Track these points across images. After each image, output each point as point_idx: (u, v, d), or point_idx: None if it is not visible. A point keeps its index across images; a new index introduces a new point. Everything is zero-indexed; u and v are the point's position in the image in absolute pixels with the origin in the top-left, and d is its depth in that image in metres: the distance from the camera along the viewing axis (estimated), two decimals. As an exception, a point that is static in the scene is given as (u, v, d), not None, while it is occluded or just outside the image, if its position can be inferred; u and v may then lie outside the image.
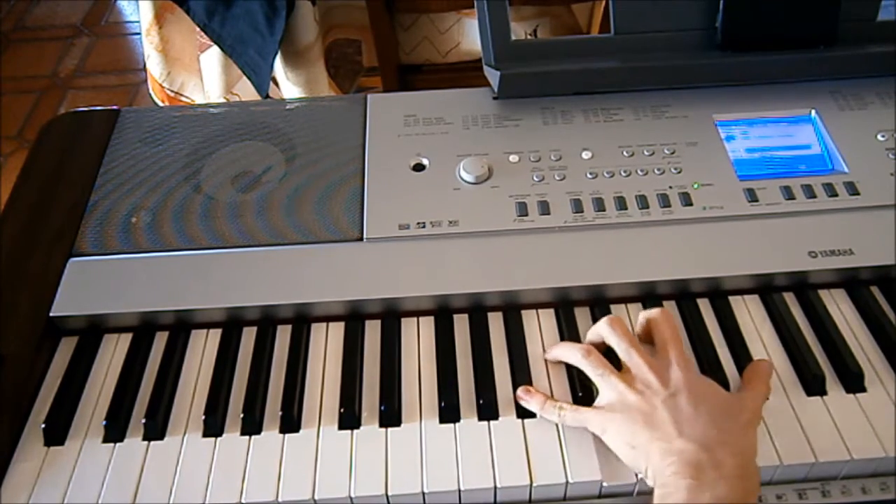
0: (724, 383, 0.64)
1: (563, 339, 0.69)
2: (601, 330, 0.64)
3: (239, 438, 0.63)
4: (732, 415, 0.57)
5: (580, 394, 0.64)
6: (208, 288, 0.70)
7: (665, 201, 0.75)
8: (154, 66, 1.34)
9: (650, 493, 0.57)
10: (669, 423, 0.56)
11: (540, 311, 0.71)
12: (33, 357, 0.67)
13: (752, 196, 0.75)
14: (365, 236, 0.73)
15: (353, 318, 0.71)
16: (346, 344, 0.69)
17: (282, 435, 0.63)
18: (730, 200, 0.75)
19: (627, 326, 0.63)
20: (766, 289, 0.72)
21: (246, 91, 1.28)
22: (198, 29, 1.21)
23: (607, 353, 0.64)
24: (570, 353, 0.64)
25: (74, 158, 0.83)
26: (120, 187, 0.79)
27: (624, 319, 0.70)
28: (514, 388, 0.65)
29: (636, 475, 0.59)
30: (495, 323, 0.70)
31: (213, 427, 0.63)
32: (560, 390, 0.65)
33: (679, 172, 0.77)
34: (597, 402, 0.61)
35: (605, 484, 0.59)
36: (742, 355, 0.66)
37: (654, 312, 0.64)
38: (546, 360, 0.67)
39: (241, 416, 0.63)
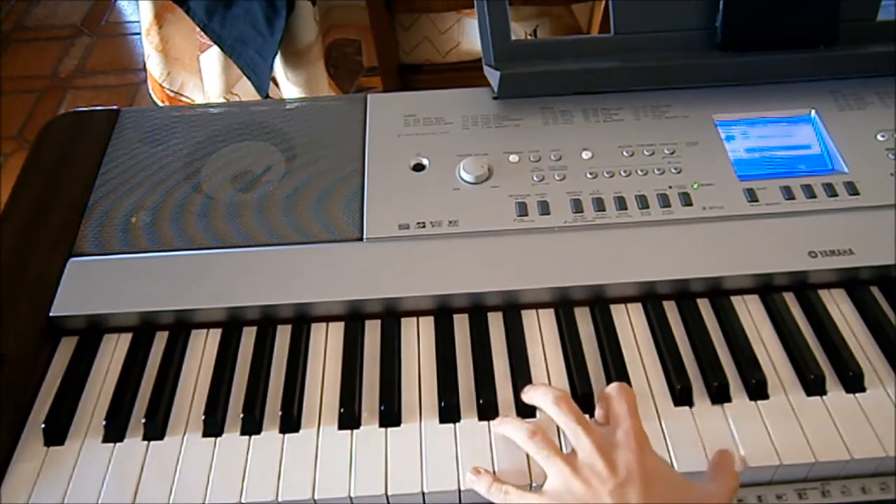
0: (726, 385, 0.64)
1: (562, 339, 0.68)
2: (546, 408, 0.59)
3: (239, 438, 0.63)
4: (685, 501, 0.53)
5: (580, 393, 0.64)
6: (208, 288, 0.70)
7: (665, 201, 0.75)
8: (154, 66, 1.34)
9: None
10: None
11: (540, 311, 0.71)
12: (33, 357, 0.68)
13: (752, 196, 0.75)
14: (365, 236, 0.73)
15: (353, 318, 0.71)
16: (346, 344, 0.69)
17: (282, 435, 0.63)
18: (730, 200, 0.75)
19: (573, 404, 0.59)
20: (766, 289, 0.72)
21: (246, 91, 1.28)
22: (198, 29, 1.21)
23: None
24: (516, 433, 0.59)
25: (74, 158, 0.83)
26: (120, 187, 0.79)
27: (622, 319, 0.70)
28: (515, 389, 0.65)
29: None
30: (495, 323, 0.70)
31: (213, 427, 0.63)
32: (560, 387, 0.65)
33: (679, 172, 0.77)
34: (545, 487, 0.56)
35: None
36: (742, 355, 0.66)
37: (610, 387, 0.60)
38: (545, 356, 0.67)
39: (241, 416, 0.63)
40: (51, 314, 0.69)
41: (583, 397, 0.63)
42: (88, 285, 0.71)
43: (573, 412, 0.57)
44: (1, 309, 0.70)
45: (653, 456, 0.56)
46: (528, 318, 0.71)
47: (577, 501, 0.53)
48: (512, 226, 0.73)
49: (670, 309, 0.71)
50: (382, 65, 1.35)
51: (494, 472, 0.59)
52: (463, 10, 1.32)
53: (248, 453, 0.62)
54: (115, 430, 0.63)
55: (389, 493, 0.59)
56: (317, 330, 0.70)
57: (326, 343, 0.70)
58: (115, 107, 0.88)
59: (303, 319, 0.71)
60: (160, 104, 1.38)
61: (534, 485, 0.59)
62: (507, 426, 0.60)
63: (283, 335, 0.70)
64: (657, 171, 0.77)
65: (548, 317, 0.71)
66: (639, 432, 0.56)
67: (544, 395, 0.60)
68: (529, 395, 0.62)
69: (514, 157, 0.79)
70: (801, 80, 0.85)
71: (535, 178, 0.77)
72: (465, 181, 0.77)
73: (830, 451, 0.60)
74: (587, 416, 0.59)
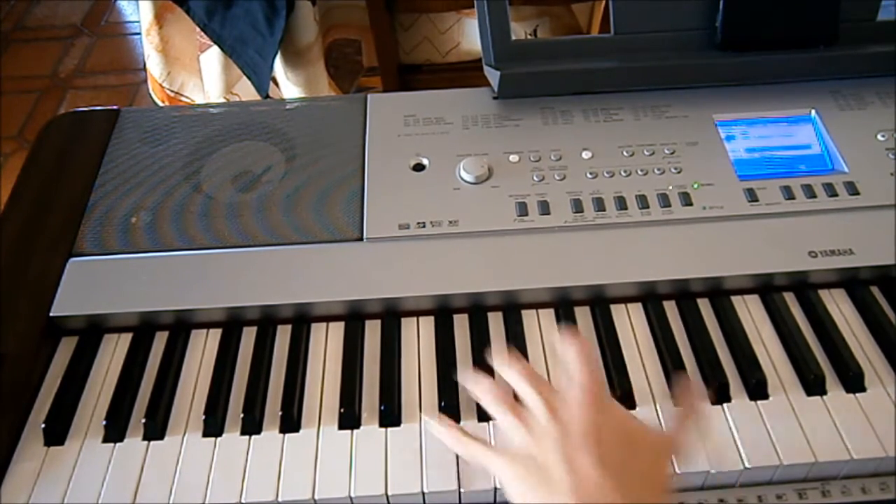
0: (726, 385, 0.64)
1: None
2: (500, 370, 0.59)
3: (239, 438, 0.63)
4: (636, 458, 0.53)
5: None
6: (208, 288, 0.70)
7: (665, 201, 0.75)
8: (154, 66, 1.34)
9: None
10: (566, 482, 0.51)
11: (540, 311, 0.71)
12: (33, 357, 0.68)
13: (752, 196, 0.75)
14: (365, 236, 0.73)
15: (353, 318, 0.71)
16: (346, 344, 0.69)
17: (282, 435, 0.63)
18: (730, 200, 0.75)
19: (526, 363, 0.59)
20: (766, 289, 0.72)
21: (246, 91, 1.28)
22: (198, 29, 1.21)
23: None
24: (477, 389, 0.59)
25: (74, 158, 0.83)
26: (120, 187, 0.79)
27: (622, 319, 0.70)
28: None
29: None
30: (495, 323, 0.70)
31: (213, 427, 0.63)
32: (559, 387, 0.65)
33: (679, 172, 0.77)
34: (504, 446, 0.56)
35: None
36: (742, 355, 0.66)
37: (566, 339, 0.58)
38: (545, 356, 0.67)
39: (241, 416, 0.63)
40: (51, 314, 0.69)
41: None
42: (88, 285, 0.71)
43: (525, 370, 0.58)
44: (1, 309, 0.70)
45: (606, 409, 0.55)
46: (528, 318, 0.71)
47: (531, 461, 0.53)
48: (512, 226, 0.73)
49: (670, 309, 0.71)
50: (382, 65, 1.35)
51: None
52: (463, 10, 1.32)
53: (248, 453, 0.62)
54: (115, 430, 0.63)
55: (389, 493, 0.59)
56: (317, 330, 0.70)
57: (326, 343, 0.69)
58: (115, 107, 0.88)
59: (303, 319, 0.71)
60: (160, 104, 1.38)
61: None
62: (469, 382, 0.60)
63: (283, 335, 0.70)
64: (657, 171, 0.77)
65: (548, 317, 0.71)
66: (591, 384, 0.56)
67: (495, 356, 0.60)
68: (469, 386, 0.61)
69: (514, 157, 0.79)
70: (801, 80, 0.85)
71: (535, 178, 0.77)
72: (465, 181, 0.77)
73: (830, 451, 0.60)
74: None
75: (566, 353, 0.57)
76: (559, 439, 0.53)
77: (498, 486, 0.58)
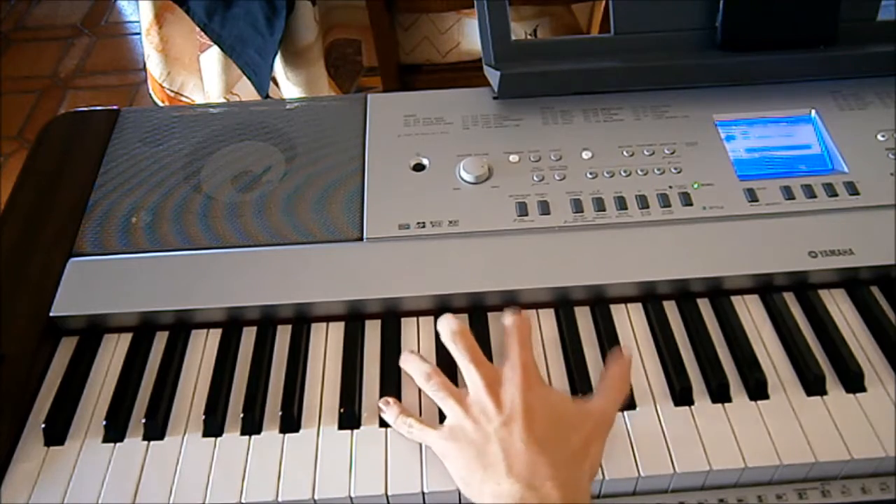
0: (726, 385, 0.64)
1: (563, 339, 0.68)
2: (444, 340, 0.61)
3: (239, 438, 0.63)
4: (568, 436, 0.55)
5: (580, 393, 0.63)
6: (208, 288, 0.70)
7: (665, 201, 0.75)
8: (154, 66, 1.34)
9: (648, 493, 0.57)
10: (500, 459, 0.53)
11: (540, 311, 0.71)
12: (33, 357, 0.67)
13: (752, 196, 0.75)
14: (365, 236, 0.73)
15: (353, 318, 0.71)
16: (346, 344, 0.69)
17: (282, 435, 0.63)
18: (730, 200, 0.75)
19: (470, 336, 0.61)
20: (766, 289, 0.72)
21: (246, 91, 1.28)
22: (198, 29, 1.21)
23: None
24: (415, 372, 0.62)
25: (74, 158, 0.83)
26: (120, 187, 0.79)
27: (623, 319, 0.70)
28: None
29: (637, 470, 0.59)
30: (495, 323, 0.70)
31: (213, 427, 0.63)
32: (560, 385, 0.65)
33: (679, 172, 0.77)
34: (446, 422, 0.59)
35: (606, 478, 0.59)
36: (742, 355, 0.66)
37: (505, 318, 0.61)
38: (545, 355, 0.67)
39: (241, 416, 0.63)
40: (51, 314, 0.69)
41: (583, 397, 0.63)
42: (88, 285, 0.71)
43: (468, 348, 0.59)
44: (1, 309, 0.70)
45: (539, 388, 0.57)
46: (529, 318, 0.70)
47: (468, 439, 0.55)
48: (512, 226, 0.73)
49: (670, 309, 0.71)
50: (382, 65, 1.35)
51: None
52: (463, 10, 1.32)
53: (248, 453, 0.62)
54: (115, 430, 0.63)
55: (389, 493, 0.59)
56: (317, 330, 0.70)
57: (326, 343, 0.70)
58: (115, 107, 0.88)
59: (303, 319, 0.71)
60: (160, 104, 1.38)
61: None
62: (409, 364, 0.63)
63: (283, 335, 0.70)
64: (657, 171, 0.77)
65: (548, 317, 0.71)
66: (526, 365, 0.58)
67: (444, 327, 0.62)
68: (403, 365, 0.64)
69: (514, 157, 0.79)
70: (801, 80, 0.85)
71: (535, 178, 0.77)
72: (465, 181, 0.77)
73: (830, 451, 0.60)
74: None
75: (506, 333, 0.59)
76: (494, 420, 0.55)
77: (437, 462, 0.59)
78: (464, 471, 0.55)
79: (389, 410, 0.62)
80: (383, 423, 0.63)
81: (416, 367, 0.62)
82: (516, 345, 0.59)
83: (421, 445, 0.61)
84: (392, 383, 0.65)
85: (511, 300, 0.71)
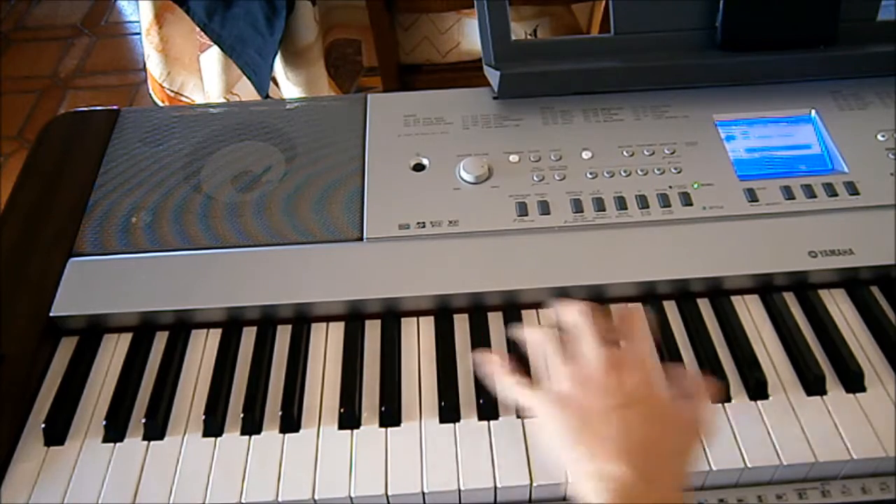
0: (726, 385, 0.64)
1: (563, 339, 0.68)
2: (568, 317, 0.58)
3: (239, 438, 0.63)
4: (681, 436, 0.53)
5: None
6: (208, 288, 0.70)
7: (665, 201, 0.75)
8: (154, 66, 1.34)
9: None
10: (614, 439, 0.50)
11: (540, 311, 0.71)
12: (33, 357, 0.67)
13: (752, 196, 0.75)
14: (365, 236, 0.73)
15: (353, 318, 0.71)
16: (346, 344, 0.69)
17: (282, 435, 0.63)
18: (730, 200, 0.75)
19: (594, 317, 0.58)
20: (766, 289, 0.72)
21: (246, 91, 1.28)
22: (198, 29, 1.21)
23: None
24: (532, 337, 0.60)
25: (74, 158, 0.83)
26: (120, 187, 0.79)
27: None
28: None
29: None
30: (495, 323, 0.70)
31: (213, 427, 0.63)
32: (560, 390, 0.65)
33: (679, 172, 0.77)
34: (551, 387, 0.55)
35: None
36: (742, 355, 0.66)
37: (626, 307, 0.60)
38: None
39: (241, 416, 0.63)
40: (51, 314, 0.69)
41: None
42: (88, 285, 0.70)
43: (591, 320, 0.57)
44: (1, 309, 0.70)
45: (658, 386, 0.55)
46: (529, 318, 0.70)
47: (580, 410, 0.52)
48: (512, 226, 0.73)
49: (670, 309, 0.71)
50: (382, 65, 1.35)
51: (495, 472, 0.59)
52: (463, 10, 1.32)
53: (248, 453, 0.62)
54: (115, 430, 0.63)
55: (389, 493, 0.59)
56: (317, 330, 0.70)
57: (326, 343, 0.69)
58: (115, 107, 0.88)
59: (303, 319, 0.71)
60: (160, 104, 1.38)
61: (535, 485, 0.59)
62: (526, 330, 0.61)
63: (283, 335, 0.70)
64: (657, 171, 0.77)
65: (548, 317, 0.71)
66: (648, 358, 0.56)
67: (566, 306, 0.59)
68: (524, 334, 0.61)
69: (514, 157, 0.79)
70: (801, 80, 0.85)
71: (535, 178, 0.77)
72: (465, 181, 0.77)
73: (830, 451, 0.60)
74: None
75: (625, 323, 0.57)
76: (613, 399, 0.52)
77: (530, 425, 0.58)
78: (563, 441, 0.52)
79: (491, 362, 0.59)
80: (383, 423, 0.63)
81: (531, 333, 0.60)
82: (638, 334, 0.57)
83: (421, 444, 0.61)
84: (392, 383, 0.65)
85: (511, 300, 0.71)
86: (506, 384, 0.58)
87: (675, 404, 0.54)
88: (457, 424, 0.63)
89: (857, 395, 0.64)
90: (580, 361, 0.55)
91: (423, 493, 0.59)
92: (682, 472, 0.51)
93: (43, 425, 0.63)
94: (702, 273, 0.70)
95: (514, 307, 0.71)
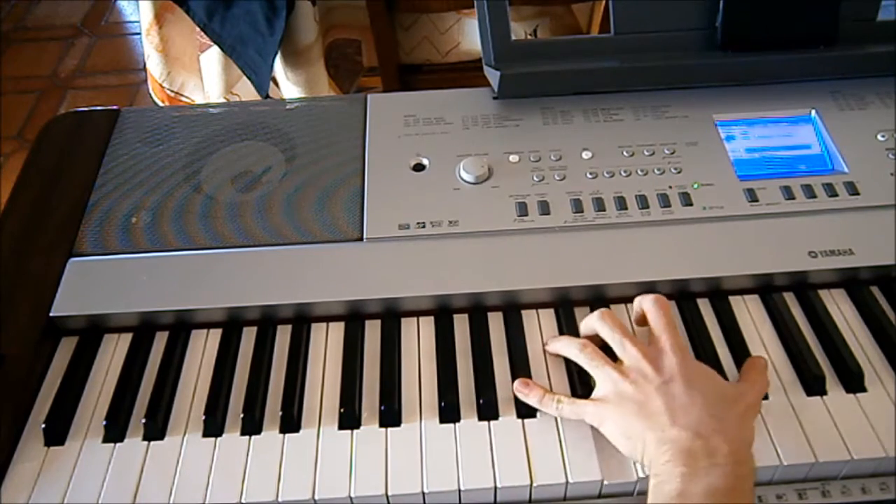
0: (724, 383, 0.64)
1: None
2: (593, 323, 0.64)
3: (239, 438, 0.63)
4: (728, 402, 0.57)
5: (579, 392, 0.63)
6: (208, 288, 0.70)
7: (665, 201, 0.75)
8: (154, 66, 1.34)
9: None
10: (663, 411, 0.56)
11: (540, 311, 0.71)
12: (33, 357, 0.67)
13: (752, 196, 0.75)
14: (365, 236, 0.73)
15: (353, 318, 0.71)
16: (346, 344, 0.69)
17: (282, 435, 0.63)
18: (730, 200, 0.75)
19: (618, 318, 0.64)
20: (766, 289, 0.72)
21: (246, 91, 1.28)
22: (198, 29, 1.21)
23: (604, 347, 0.64)
24: (568, 348, 0.65)
25: (74, 158, 0.83)
26: (120, 187, 0.79)
27: (624, 319, 0.70)
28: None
29: (636, 473, 0.59)
30: (495, 323, 0.70)
31: (213, 427, 0.63)
32: (560, 388, 0.65)
33: (679, 172, 0.77)
34: (594, 395, 0.61)
35: (605, 482, 0.59)
36: (742, 355, 0.66)
37: (647, 299, 0.64)
38: (546, 357, 0.67)
39: (241, 416, 0.63)
40: (51, 314, 0.69)
41: (583, 397, 0.63)
42: (88, 285, 0.71)
43: (618, 326, 0.63)
44: (1, 309, 0.70)
45: (693, 360, 0.60)
46: (528, 318, 0.71)
47: (628, 401, 0.58)
48: (512, 226, 0.73)
49: (670, 309, 0.71)
50: (382, 65, 1.35)
51: (495, 472, 0.59)
52: (463, 10, 1.32)
53: (248, 453, 0.62)
54: (115, 431, 0.63)
55: (389, 493, 0.59)
56: (317, 330, 0.70)
57: (326, 343, 0.70)
58: (115, 107, 0.88)
59: (303, 319, 0.71)
60: (160, 104, 1.38)
61: (535, 485, 0.59)
62: (559, 343, 0.66)
63: (283, 335, 0.70)
64: (657, 171, 0.77)
65: (548, 317, 0.71)
66: (678, 341, 0.61)
67: (592, 315, 0.65)
68: (554, 346, 0.66)
69: (514, 157, 0.79)
70: (801, 80, 0.85)
71: (535, 178, 0.77)
72: (465, 181, 0.77)
73: (830, 451, 0.60)
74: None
75: (651, 316, 0.63)
76: (655, 381, 0.58)
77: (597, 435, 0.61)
78: (624, 426, 0.57)
79: (532, 392, 0.63)
80: (383, 423, 0.63)
81: (567, 342, 0.65)
82: (663, 324, 0.62)
83: (421, 444, 0.61)
84: (392, 383, 0.65)
85: (511, 300, 0.71)
86: (554, 410, 0.62)
87: (717, 377, 0.60)
88: (457, 424, 0.63)
89: (857, 395, 0.64)
90: (620, 364, 0.60)
91: (423, 493, 0.59)
92: (738, 427, 0.56)
93: (43, 425, 0.63)
94: (702, 273, 0.70)
95: (514, 307, 0.71)
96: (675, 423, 0.55)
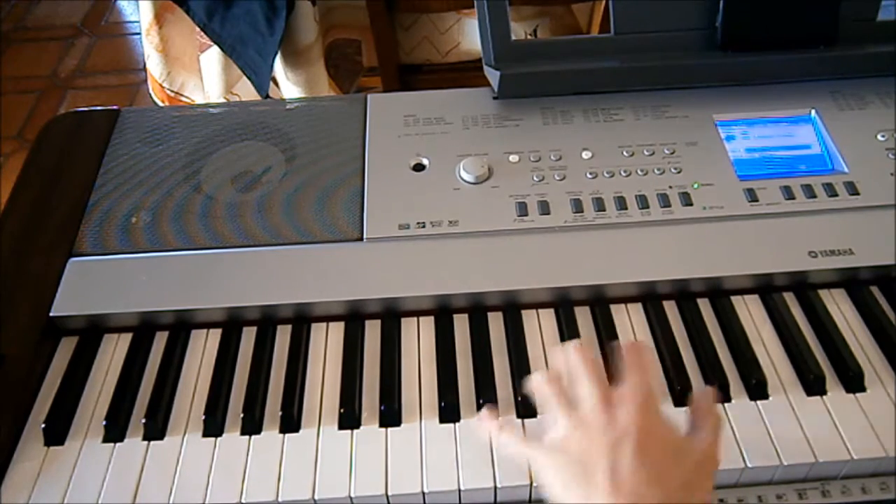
0: (726, 385, 0.64)
1: (563, 339, 0.68)
2: (566, 354, 0.58)
3: (239, 438, 0.63)
4: (680, 466, 0.52)
5: (580, 394, 0.63)
6: (208, 288, 0.70)
7: (665, 201, 0.75)
8: (154, 66, 1.34)
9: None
10: (607, 477, 0.51)
11: (540, 311, 0.71)
12: (33, 357, 0.67)
13: (752, 196, 0.75)
14: (365, 236, 0.73)
15: (353, 318, 0.71)
16: (346, 344, 0.69)
17: (282, 435, 0.63)
18: (730, 200, 0.75)
19: (589, 354, 0.58)
20: (766, 289, 0.72)
21: (246, 91, 1.28)
22: (198, 29, 1.21)
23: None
24: (537, 381, 0.58)
25: (74, 158, 0.83)
26: (120, 187, 0.79)
27: (623, 318, 0.70)
28: (515, 389, 0.65)
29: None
30: (495, 323, 0.70)
31: (213, 427, 0.63)
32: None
33: (679, 172, 0.77)
34: (547, 437, 0.56)
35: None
36: (742, 355, 0.66)
37: (628, 342, 0.59)
38: (546, 357, 0.67)
39: (241, 416, 0.63)
40: (51, 314, 0.69)
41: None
42: (88, 285, 0.71)
43: (588, 361, 0.57)
44: (1, 309, 0.70)
45: (656, 416, 0.55)
46: (528, 318, 0.70)
47: (575, 453, 0.53)
48: (512, 226, 0.73)
49: (670, 309, 0.71)
50: (382, 65, 1.35)
51: (495, 472, 0.59)
52: (463, 10, 1.32)
53: (248, 453, 0.62)
54: (115, 430, 0.63)
55: (389, 493, 0.59)
56: (317, 330, 0.70)
57: (326, 343, 0.70)
58: (115, 107, 0.88)
59: (303, 319, 0.71)
60: (160, 104, 1.38)
61: (536, 485, 0.59)
62: (532, 382, 0.59)
63: (283, 335, 0.70)
64: (657, 171, 0.77)
65: (548, 317, 0.71)
66: (646, 390, 0.55)
67: (567, 346, 0.59)
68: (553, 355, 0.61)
69: (514, 157, 0.79)
70: (801, 80, 0.85)
71: (535, 178, 0.77)
72: (465, 181, 0.77)
73: (830, 451, 0.60)
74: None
75: (627, 355, 0.57)
76: (605, 436, 0.52)
77: (535, 482, 0.58)
78: (563, 486, 0.52)
79: (490, 422, 0.59)
80: (383, 423, 0.63)
81: (538, 377, 0.58)
82: (637, 368, 0.56)
83: (421, 444, 0.61)
84: (392, 383, 0.65)
85: (511, 300, 0.71)
86: (503, 442, 0.58)
87: (674, 433, 0.54)
88: (457, 424, 0.63)
89: (857, 395, 0.64)
90: (577, 405, 0.55)
91: (423, 493, 0.59)
92: (685, 492, 0.51)
93: (43, 425, 0.63)
94: (702, 273, 0.70)
95: (514, 307, 0.71)
96: (617, 494, 0.50)
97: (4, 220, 0.78)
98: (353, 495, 0.59)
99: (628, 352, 0.57)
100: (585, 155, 0.79)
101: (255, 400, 0.64)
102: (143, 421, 0.63)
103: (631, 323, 0.70)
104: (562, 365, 0.58)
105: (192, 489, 0.60)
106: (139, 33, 1.80)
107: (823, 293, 0.71)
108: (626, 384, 0.55)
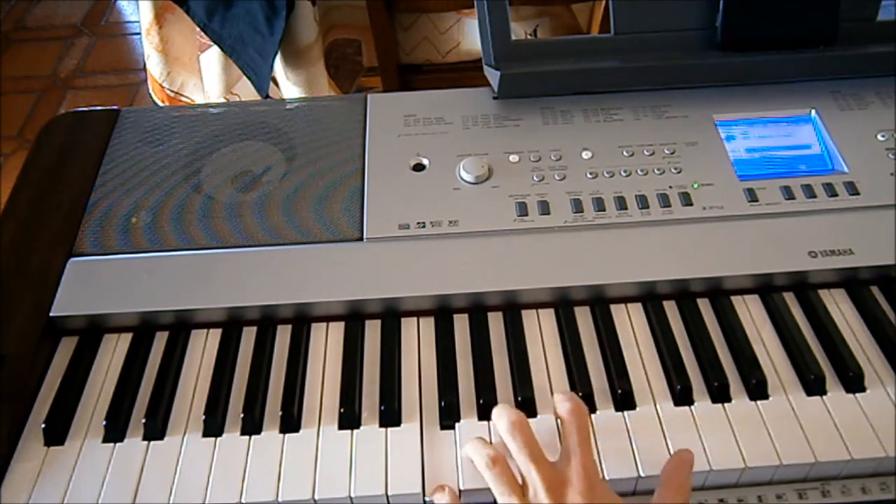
0: (726, 385, 0.64)
1: (563, 339, 0.68)
2: (501, 434, 0.58)
3: (239, 438, 0.63)
4: None
5: (580, 393, 0.63)
6: (208, 288, 0.70)
7: (665, 201, 0.75)
8: (154, 66, 1.34)
9: (649, 493, 0.57)
10: None
11: (540, 311, 0.71)
12: (33, 357, 0.67)
13: (752, 196, 0.75)
14: (365, 236, 0.73)
15: (353, 318, 0.71)
16: (346, 344, 0.69)
17: (282, 435, 0.63)
18: (730, 200, 0.75)
19: (530, 431, 0.58)
20: (766, 289, 0.72)
21: (246, 91, 1.28)
22: (198, 29, 1.21)
23: None
24: (477, 456, 0.58)
25: (74, 158, 0.83)
26: (120, 187, 0.79)
27: (623, 319, 0.70)
28: (515, 388, 0.65)
29: (637, 470, 0.59)
30: (495, 323, 0.70)
31: (213, 427, 0.63)
32: (560, 387, 0.65)
33: (679, 172, 0.77)
34: None
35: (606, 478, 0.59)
36: (742, 355, 0.66)
37: (564, 405, 0.59)
38: (546, 357, 0.67)
39: (241, 416, 0.63)
40: (51, 314, 0.69)
41: (583, 398, 0.63)
42: (88, 285, 0.71)
43: (527, 443, 0.56)
44: (1, 309, 0.70)
45: (601, 493, 0.55)
46: (528, 318, 0.70)
47: None
48: (512, 226, 0.73)
49: (670, 309, 0.71)
50: (382, 65, 1.35)
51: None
52: (463, 10, 1.32)
53: (248, 453, 0.62)
54: (115, 430, 0.63)
55: (389, 493, 0.59)
56: (317, 330, 0.70)
57: (326, 343, 0.70)
58: (115, 107, 0.88)
59: (303, 319, 0.71)
60: (160, 104, 1.38)
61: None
62: (470, 447, 0.59)
63: (283, 335, 0.70)
64: (657, 171, 0.77)
65: (548, 317, 0.71)
66: (588, 467, 0.55)
67: (499, 418, 0.59)
68: (466, 451, 0.60)
69: (514, 157, 0.79)
70: (801, 80, 0.85)
71: (535, 178, 0.77)
72: (465, 181, 0.77)
73: (830, 451, 0.60)
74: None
75: (566, 428, 0.57)
76: None
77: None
78: None
79: (442, 497, 0.58)
80: (383, 423, 0.63)
81: (478, 450, 0.58)
82: (577, 441, 0.56)
83: (421, 445, 0.61)
84: (392, 383, 0.65)
85: (511, 300, 0.71)
86: None
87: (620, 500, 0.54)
88: (457, 424, 0.63)
89: (857, 395, 0.64)
90: (522, 491, 0.55)
91: (424, 493, 0.59)
92: None
93: (43, 425, 0.63)
94: (702, 273, 0.70)
95: (514, 307, 0.71)
96: None
97: (4, 220, 0.78)
98: (353, 495, 0.59)
99: (566, 416, 0.57)
100: (585, 155, 0.79)
101: (255, 400, 0.64)
102: (143, 421, 0.63)
103: (631, 323, 0.70)
104: (504, 433, 0.58)
105: (192, 489, 0.60)
106: (139, 33, 1.80)
107: (823, 293, 0.71)
108: (570, 465, 0.55)
